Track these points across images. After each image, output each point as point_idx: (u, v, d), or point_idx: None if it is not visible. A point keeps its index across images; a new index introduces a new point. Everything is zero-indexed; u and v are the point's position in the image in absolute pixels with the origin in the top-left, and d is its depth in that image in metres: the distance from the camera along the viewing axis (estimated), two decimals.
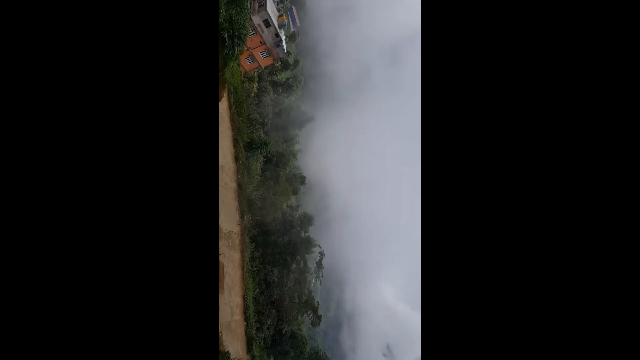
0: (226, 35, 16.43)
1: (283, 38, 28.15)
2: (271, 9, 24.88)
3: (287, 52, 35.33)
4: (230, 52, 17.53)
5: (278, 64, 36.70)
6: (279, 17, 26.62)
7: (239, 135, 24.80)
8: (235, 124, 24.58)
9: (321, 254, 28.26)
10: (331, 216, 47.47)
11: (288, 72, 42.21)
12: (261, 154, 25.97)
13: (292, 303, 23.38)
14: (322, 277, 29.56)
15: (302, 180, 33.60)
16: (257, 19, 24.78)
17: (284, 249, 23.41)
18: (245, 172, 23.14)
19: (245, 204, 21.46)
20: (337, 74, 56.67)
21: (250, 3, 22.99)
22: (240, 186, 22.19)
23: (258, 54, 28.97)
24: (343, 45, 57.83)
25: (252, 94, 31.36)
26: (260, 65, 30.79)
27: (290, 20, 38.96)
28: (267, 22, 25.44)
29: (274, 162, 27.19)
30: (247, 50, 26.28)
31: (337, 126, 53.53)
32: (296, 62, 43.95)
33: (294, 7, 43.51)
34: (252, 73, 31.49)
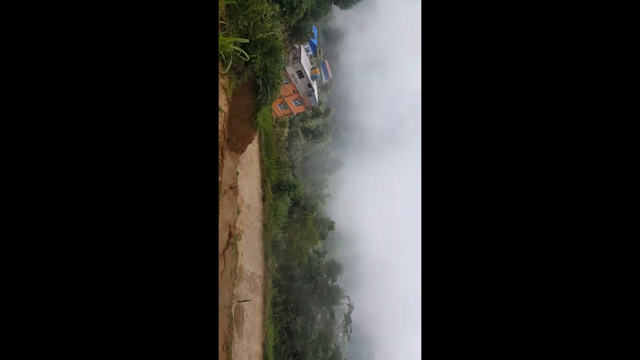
0: (260, 82, 17.42)
1: (315, 88, 29.76)
2: (305, 61, 26.79)
3: (319, 101, 37.24)
4: (264, 99, 18.43)
5: (309, 112, 38.51)
6: (312, 69, 28.49)
7: (267, 176, 25.14)
8: (264, 165, 25.16)
9: (350, 306, 25.45)
10: (362, 268, 44.21)
11: (319, 120, 44.07)
12: (289, 195, 25.74)
13: (317, 357, 20.49)
14: (351, 332, 26.22)
15: (331, 225, 32.31)
16: (291, 70, 26.66)
17: (309, 296, 21.44)
18: (271, 213, 22.75)
19: (270, 245, 20.60)
20: (369, 123, 58.19)
21: (285, 55, 25.02)
22: (265, 227, 21.61)
23: (290, 102, 30.70)
24: (375, 96, 60.31)
25: (283, 138, 32.53)
26: (292, 112, 32.42)
27: (322, 73, 41.94)
28: (301, 73, 27.23)
29: (301, 205, 26.65)
30: (280, 97, 27.94)
31: (368, 174, 53.02)
32: (327, 111, 46.04)
33: (327, 61, 47.13)
34: (283, 119, 33.12)
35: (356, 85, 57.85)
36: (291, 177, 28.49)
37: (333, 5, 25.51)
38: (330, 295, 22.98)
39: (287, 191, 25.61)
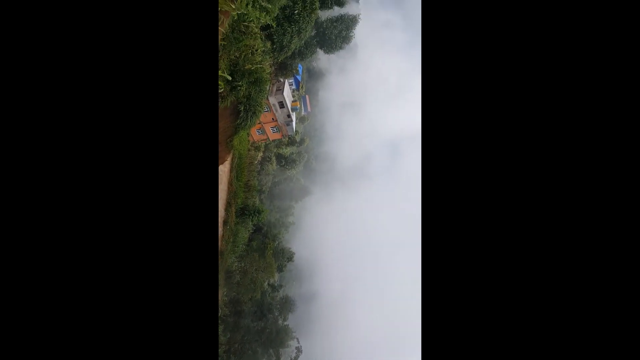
0: (242, 108, 17.58)
1: (294, 119, 30.65)
2: (287, 94, 27.78)
3: (296, 131, 38.22)
4: (243, 123, 18.52)
5: (285, 140, 39.09)
6: (293, 101, 29.52)
7: (233, 199, 24.29)
8: (232, 187, 24.40)
9: (298, 350, 24.08)
10: (316, 307, 42.69)
11: (294, 148, 44.80)
12: (252, 221, 24.96)
13: None
14: None
15: (290, 257, 31.43)
16: (273, 100, 27.36)
17: (256, 336, 19.95)
18: (230, 239, 21.68)
19: (223, 276, 19.28)
20: (339, 156, 60.46)
21: (270, 86, 25.76)
22: (222, 255, 20.40)
23: (268, 129, 31.07)
24: (347, 132, 63.50)
25: (256, 162, 32.26)
26: (268, 138, 32.69)
27: (302, 106, 43.58)
28: (282, 104, 28.03)
29: (263, 232, 25.86)
30: (259, 123, 28.18)
31: (334, 205, 53.82)
32: (302, 140, 47.17)
33: (307, 96, 49.31)
34: (259, 143, 33.15)
35: (331, 120, 60.72)
36: (257, 202, 27.86)
37: (318, 49, 27.42)
38: (279, 336, 21.65)
39: (251, 216, 24.83)
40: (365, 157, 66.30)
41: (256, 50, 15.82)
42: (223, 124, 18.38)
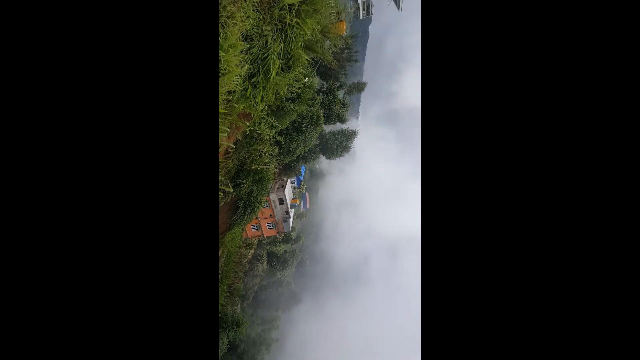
0: (241, 205, 17.22)
1: (291, 216, 30.31)
2: (288, 191, 28.36)
3: (292, 227, 37.43)
4: (240, 219, 17.82)
5: (280, 236, 37.73)
6: (292, 198, 29.92)
7: None
8: None
9: None
10: None
11: (288, 246, 42.89)
12: (228, 337, 20.91)
13: None
14: None
15: None
16: (273, 196, 27.65)
17: None
18: None
19: None
20: (336, 257, 57.60)
21: (272, 183, 26.47)
22: None
23: (265, 225, 30.29)
24: (344, 231, 62.61)
25: (245, 261, 29.98)
26: (263, 234, 31.50)
27: (301, 203, 44.36)
28: (282, 201, 28.20)
29: (238, 353, 21.25)
30: (256, 219, 27.57)
31: (325, 319, 47.37)
32: (298, 238, 45.76)
33: (307, 193, 50.97)
34: (252, 240, 31.66)
35: (330, 218, 60.85)
36: (238, 311, 24.14)
37: (321, 155, 29.94)
38: None
39: (228, 330, 21.01)
40: (362, 259, 63.23)
41: (264, 154, 16.62)
42: (219, 218, 17.65)
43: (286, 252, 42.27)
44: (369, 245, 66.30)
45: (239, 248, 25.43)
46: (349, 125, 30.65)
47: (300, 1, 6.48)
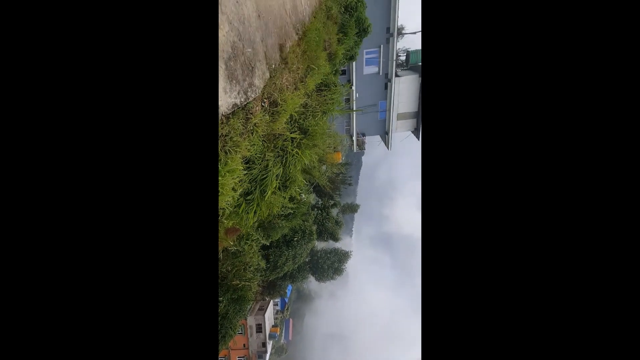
0: None
1: (268, 351, 25.35)
2: (269, 316, 24.89)
3: None
4: None
5: None
6: (273, 326, 25.92)
7: None
8: None
9: None
10: None
11: None
12: None
13: None
14: None
15: None
16: (251, 320, 24.05)
17: None
18: None
19: None
20: None
21: (252, 304, 23.55)
22: None
23: (235, 358, 24.90)
24: None
25: None
26: None
27: (283, 332, 38.01)
28: (260, 328, 24.34)
29: None
30: (226, 349, 23.00)
31: None
32: None
33: (291, 320, 44.48)
34: None
35: (314, 355, 50.60)
36: None
37: (310, 275, 28.05)
38: None
39: None
40: None
41: (249, 267, 15.70)
42: None
43: None
44: None
45: None
46: (343, 245, 30.21)
47: (302, 137, 7.66)
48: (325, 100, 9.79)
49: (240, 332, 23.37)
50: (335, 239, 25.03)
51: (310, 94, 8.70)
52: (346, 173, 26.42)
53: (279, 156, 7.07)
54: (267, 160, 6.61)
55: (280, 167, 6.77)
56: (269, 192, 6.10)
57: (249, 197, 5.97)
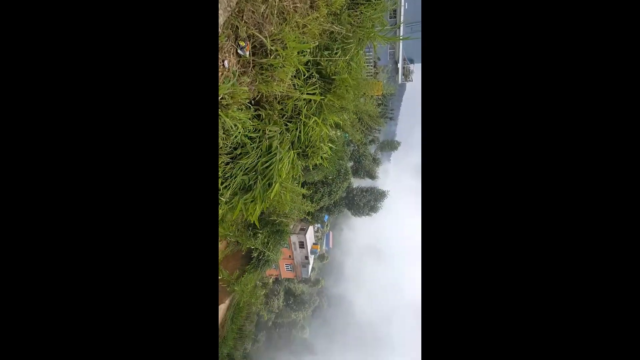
0: (255, 255, 17.13)
1: (311, 262, 29.46)
2: (310, 236, 27.90)
3: (312, 267, 36.30)
4: (252, 269, 17.64)
5: (297, 280, 36.67)
6: (314, 244, 29.25)
7: (219, 347, 20.60)
8: (223, 329, 21.19)
9: None
10: None
11: (306, 287, 41.41)
12: None
13: None
14: None
15: None
16: (294, 238, 27.34)
17: None
18: None
19: None
20: (355, 305, 53.91)
21: (294, 224, 26.24)
22: None
23: (283, 265, 29.79)
24: (366, 279, 59.04)
25: (259, 301, 29.35)
26: (280, 274, 30.90)
27: (324, 242, 43.28)
28: (302, 244, 27.73)
29: None
30: (275, 268, 27.21)
31: None
32: (317, 281, 44.11)
33: (331, 233, 49.78)
34: (268, 279, 31.16)
35: (351, 261, 58.18)
36: (248, 349, 23.08)
37: (346, 209, 28.93)
38: None
39: None
40: (384, 317, 57.73)
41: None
42: (232, 265, 17.68)
43: (303, 292, 40.76)
44: (392, 301, 60.80)
45: (254, 287, 25.08)
46: (380, 183, 29.56)
47: (323, 95, 5.25)
48: (361, 21, 6.11)
49: (285, 245, 26.75)
50: (372, 177, 24.50)
51: (339, 12, 5.52)
52: (388, 105, 23.53)
53: (288, 129, 4.98)
54: (270, 138, 4.75)
55: (290, 150, 4.92)
56: (276, 186, 5.06)
57: (247, 197, 4.63)
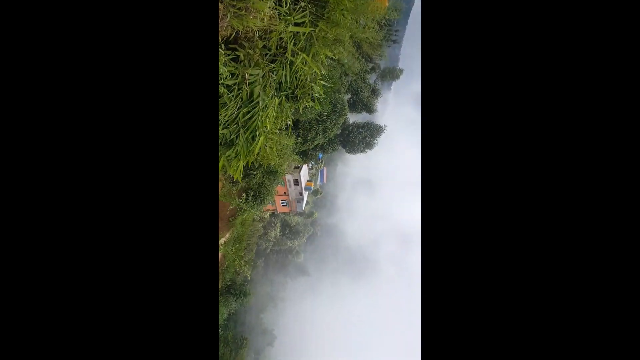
0: (251, 195, 17.28)
1: (305, 197, 30.40)
2: (304, 173, 28.10)
3: (307, 201, 37.91)
4: (248, 207, 18.05)
5: (292, 214, 38.49)
6: (308, 181, 29.69)
7: (221, 275, 22.75)
8: (224, 259, 23.08)
9: None
10: None
11: (301, 219, 43.95)
12: (238, 300, 22.79)
13: None
14: None
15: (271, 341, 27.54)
16: (288, 177, 27.57)
17: None
18: None
19: None
20: (346, 233, 58.46)
21: (289, 163, 26.16)
22: None
23: (278, 201, 30.83)
24: (358, 209, 62.70)
25: (258, 234, 31.29)
26: (276, 209, 32.26)
27: (318, 178, 44.24)
28: (297, 182, 28.15)
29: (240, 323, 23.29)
30: (271, 204, 27.89)
31: (329, 295, 49.37)
32: (311, 213, 46.54)
33: (325, 169, 50.46)
34: (265, 213, 32.60)
35: (344, 193, 60.78)
36: (248, 275, 25.89)
37: (341, 147, 28.34)
38: None
39: (235, 297, 22.88)
40: (372, 241, 63.46)
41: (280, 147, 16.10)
42: (228, 205, 17.97)
43: (298, 223, 43.53)
44: (381, 228, 66.05)
45: (252, 221, 26.37)
46: (377, 117, 28.27)
47: (314, 26, 4.36)
48: None
49: (280, 183, 27.14)
50: (370, 111, 23.14)
51: None
52: (392, 25, 20.48)
53: (273, 71, 4.21)
54: (251, 83, 4.00)
55: (274, 97, 4.25)
56: (260, 139, 4.38)
57: (229, 153, 4.16)
